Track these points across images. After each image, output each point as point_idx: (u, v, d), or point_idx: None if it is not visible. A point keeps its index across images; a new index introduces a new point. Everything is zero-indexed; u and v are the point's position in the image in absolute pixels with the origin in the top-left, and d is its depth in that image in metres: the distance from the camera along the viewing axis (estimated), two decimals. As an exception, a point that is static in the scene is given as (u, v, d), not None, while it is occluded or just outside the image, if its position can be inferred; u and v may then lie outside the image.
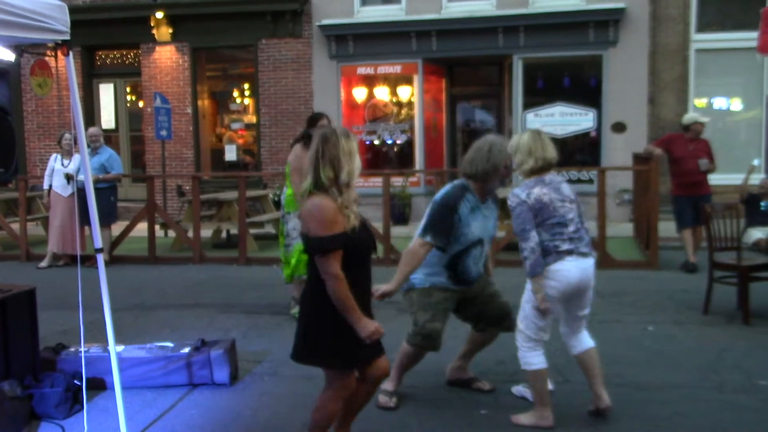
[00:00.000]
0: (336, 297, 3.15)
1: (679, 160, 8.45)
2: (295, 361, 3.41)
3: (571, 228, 3.93)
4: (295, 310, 6.36)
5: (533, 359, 4.00)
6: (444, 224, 4.14)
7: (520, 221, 3.89)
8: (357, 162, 3.25)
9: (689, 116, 8.90)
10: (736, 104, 13.17)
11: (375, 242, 3.50)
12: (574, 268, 3.90)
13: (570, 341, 4.18)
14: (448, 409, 4.38)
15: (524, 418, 4.08)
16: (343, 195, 3.21)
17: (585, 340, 4.15)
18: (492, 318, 4.52)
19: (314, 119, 6.46)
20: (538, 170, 3.99)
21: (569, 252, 3.89)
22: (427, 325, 4.28)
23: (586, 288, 4.01)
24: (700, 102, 12.89)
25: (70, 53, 3.73)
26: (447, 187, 4.33)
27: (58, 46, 3.77)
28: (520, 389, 4.58)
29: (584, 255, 3.95)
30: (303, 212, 3.29)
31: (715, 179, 12.42)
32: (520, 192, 3.94)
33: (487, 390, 4.65)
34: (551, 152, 4.01)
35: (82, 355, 4.36)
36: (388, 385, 4.40)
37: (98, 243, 4.02)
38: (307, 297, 3.35)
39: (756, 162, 8.77)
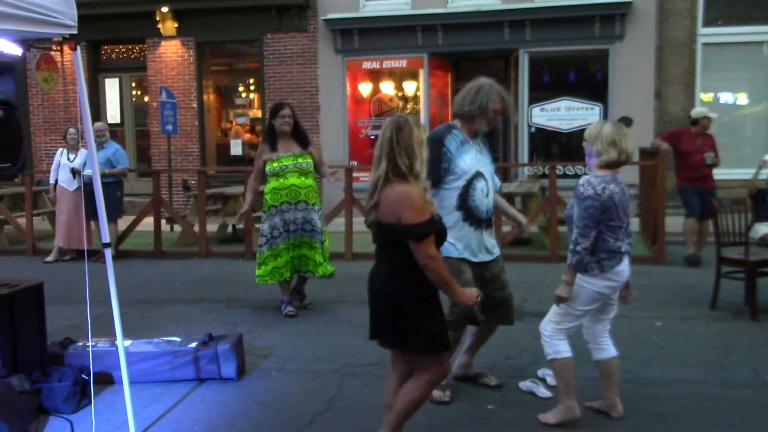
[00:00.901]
0: (439, 277, 3.24)
1: (687, 155, 8.49)
2: (420, 353, 3.36)
3: (626, 227, 3.89)
4: (287, 310, 6.52)
5: (561, 347, 3.94)
6: (435, 159, 4.13)
7: (587, 215, 3.75)
8: (425, 152, 3.35)
9: (698, 110, 8.91)
10: (743, 98, 13.13)
11: None
12: (626, 268, 3.93)
13: (597, 343, 4.09)
14: (454, 404, 4.37)
15: (552, 417, 4.02)
16: (419, 183, 3.29)
17: (610, 348, 4.08)
18: (497, 305, 4.41)
19: (276, 110, 6.44)
20: (617, 164, 3.86)
21: (626, 252, 3.90)
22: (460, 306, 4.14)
23: (624, 284, 4.02)
24: (707, 96, 12.85)
25: (78, 48, 3.73)
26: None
27: (65, 40, 3.76)
28: (527, 384, 4.57)
29: (629, 254, 3.96)
30: (388, 200, 3.23)
31: (721, 174, 12.38)
32: (596, 183, 3.77)
33: (494, 385, 4.63)
34: (632, 147, 3.92)
35: (90, 349, 4.37)
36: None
37: (106, 238, 4.02)
38: (401, 290, 3.29)
39: (767, 157, 8.73)
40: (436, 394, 4.31)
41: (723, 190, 11.42)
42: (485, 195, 4.32)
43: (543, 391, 4.49)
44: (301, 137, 6.46)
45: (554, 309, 3.98)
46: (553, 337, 3.96)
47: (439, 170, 4.22)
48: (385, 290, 3.33)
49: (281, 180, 6.33)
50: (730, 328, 5.94)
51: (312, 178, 6.47)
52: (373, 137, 14.09)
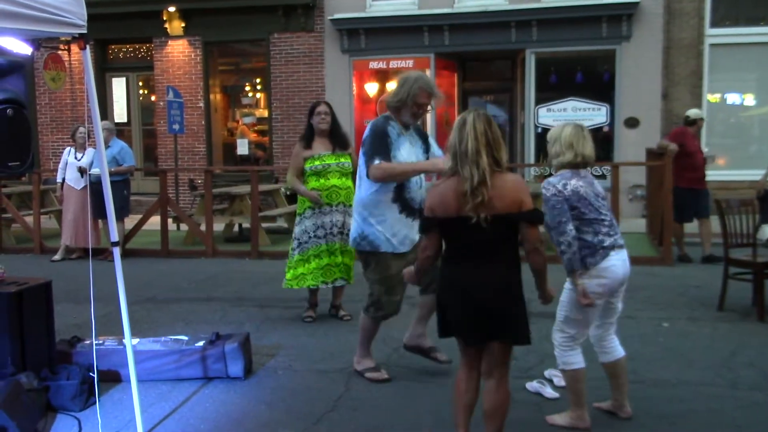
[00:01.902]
0: (544, 262, 3.37)
1: (692, 155, 8.59)
2: (526, 344, 3.41)
3: (607, 222, 3.85)
4: (306, 314, 6.32)
5: (573, 359, 3.90)
6: (383, 144, 4.42)
7: (556, 213, 3.75)
8: None
9: (695, 111, 9.15)
10: (750, 99, 13.09)
11: None
12: (618, 262, 3.84)
13: (601, 347, 4.06)
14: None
15: (560, 419, 4.01)
16: None
17: (616, 350, 4.04)
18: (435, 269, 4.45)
19: (312, 108, 6.22)
20: (574, 165, 3.87)
21: (612, 247, 3.82)
22: (384, 299, 4.61)
23: (625, 281, 3.94)
24: (714, 97, 12.82)
25: (87, 47, 3.74)
26: (369, 124, 4.65)
27: (75, 39, 3.77)
28: (534, 385, 4.57)
29: (621, 247, 3.89)
30: (507, 190, 3.24)
31: (728, 175, 12.43)
32: (555, 182, 3.81)
33: (443, 361, 4.81)
34: (591, 150, 3.90)
35: (93, 347, 4.38)
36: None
37: (115, 236, 4.03)
38: (515, 280, 3.33)
39: None
40: (374, 375, 4.74)
41: (730, 191, 11.43)
42: (419, 187, 4.57)
43: (550, 392, 4.49)
44: (341, 137, 6.19)
45: (557, 317, 3.96)
46: (563, 346, 3.92)
47: (389, 156, 4.42)
48: (500, 283, 3.29)
49: (322, 180, 6.03)
50: (738, 329, 5.92)
51: (351, 180, 6.09)
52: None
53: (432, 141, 4.85)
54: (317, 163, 6.04)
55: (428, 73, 13.65)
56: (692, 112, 9.05)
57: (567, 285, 3.88)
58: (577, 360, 3.90)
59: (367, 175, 4.47)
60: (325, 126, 6.10)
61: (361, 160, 4.57)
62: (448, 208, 3.27)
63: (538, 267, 3.37)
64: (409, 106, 4.49)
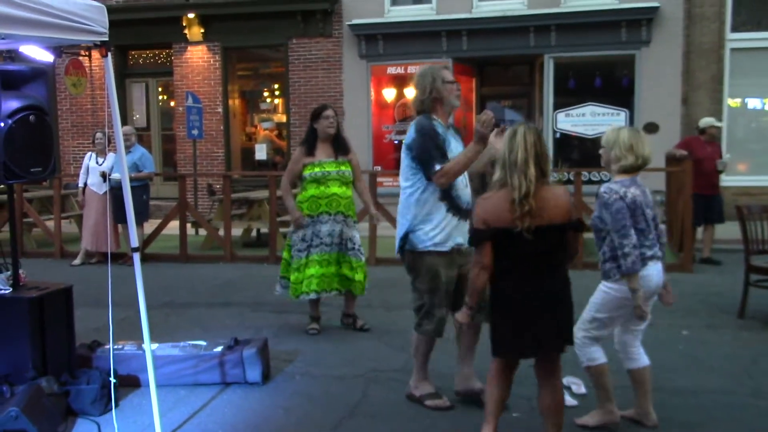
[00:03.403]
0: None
1: (699, 162, 8.80)
2: (570, 344, 3.54)
3: (652, 233, 3.88)
4: (310, 326, 6.12)
5: (596, 354, 3.93)
6: (437, 147, 4.17)
7: (620, 217, 3.74)
8: None
9: (706, 120, 9.33)
10: (771, 104, 12.97)
11: None
12: (654, 273, 3.86)
13: (627, 353, 4.06)
14: (479, 412, 4.34)
15: (590, 419, 4.01)
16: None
17: (641, 357, 4.05)
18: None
19: (319, 111, 5.95)
20: (635, 169, 3.87)
21: (651, 258, 3.84)
22: (436, 312, 4.27)
23: (657, 291, 3.96)
24: (735, 102, 12.70)
25: (109, 54, 3.78)
26: (413, 126, 4.34)
27: (96, 46, 3.81)
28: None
29: (659, 259, 3.92)
30: (560, 200, 3.41)
31: (749, 181, 12.31)
32: (617, 188, 3.79)
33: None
34: (649, 151, 3.91)
35: (111, 351, 4.40)
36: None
37: (135, 242, 4.06)
38: (568, 287, 3.46)
39: None
40: (435, 403, 4.36)
41: (751, 197, 11.32)
42: (465, 185, 4.36)
43: (569, 400, 4.45)
44: (343, 143, 6.00)
45: (583, 316, 3.97)
46: (585, 344, 3.94)
47: (446, 157, 4.18)
48: (561, 293, 3.43)
49: (322, 188, 5.84)
50: (759, 337, 5.86)
51: (351, 189, 6.02)
52: (396, 142, 14.09)
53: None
54: (317, 170, 5.84)
55: (446, 78, 13.64)
56: (702, 121, 9.31)
57: (601, 287, 3.90)
58: (599, 355, 3.94)
59: (429, 178, 4.18)
60: (332, 131, 5.91)
61: (405, 164, 4.33)
62: (502, 218, 3.31)
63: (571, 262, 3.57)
64: (445, 92, 4.32)
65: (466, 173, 4.34)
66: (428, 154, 4.18)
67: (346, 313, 6.30)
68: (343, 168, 5.91)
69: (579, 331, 3.94)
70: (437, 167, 4.13)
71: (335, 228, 5.88)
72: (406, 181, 4.34)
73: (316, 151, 5.90)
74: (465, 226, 4.31)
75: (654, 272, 3.87)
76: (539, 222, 3.27)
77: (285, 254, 6.15)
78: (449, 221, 4.27)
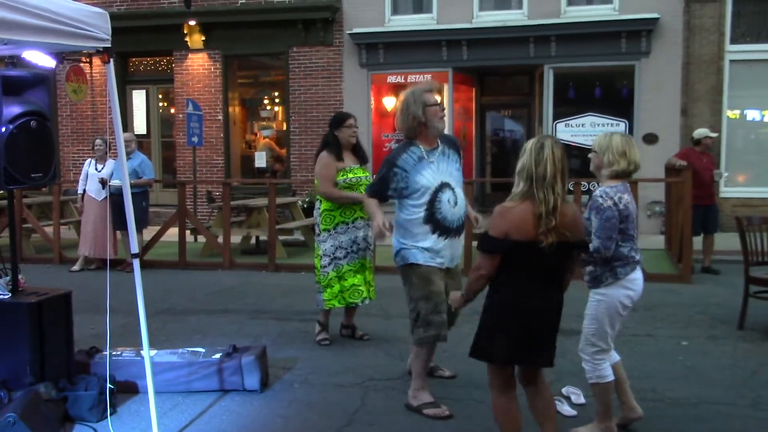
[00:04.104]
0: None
1: (697, 173, 8.89)
2: (551, 365, 3.51)
3: (636, 238, 3.94)
4: (320, 336, 6.01)
5: (606, 371, 3.91)
6: (381, 177, 4.50)
7: (609, 226, 3.73)
8: None
9: (700, 131, 9.46)
10: (770, 116, 12.99)
11: None
12: (640, 276, 3.92)
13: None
14: (476, 419, 4.33)
15: (586, 431, 4.01)
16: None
17: (614, 354, 4.07)
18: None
19: (341, 120, 5.89)
20: (626, 174, 3.89)
21: (638, 262, 3.90)
22: (433, 318, 4.37)
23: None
24: (734, 113, 12.73)
25: (111, 60, 3.78)
26: None
27: (99, 53, 3.82)
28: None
29: (642, 265, 3.97)
30: (578, 218, 3.42)
31: (750, 192, 12.32)
32: (612, 194, 3.79)
33: (449, 376, 4.95)
34: (639, 157, 3.93)
35: (108, 358, 4.39)
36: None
37: (135, 248, 4.06)
38: (561, 305, 3.45)
39: None
40: (434, 411, 4.37)
41: (750, 208, 11.34)
42: (453, 205, 4.43)
43: (567, 409, 4.45)
44: (362, 150, 5.98)
45: (584, 332, 3.95)
46: (596, 359, 3.90)
47: (387, 190, 4.49)
48: (558, 308, 3.44)
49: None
50: (759, 348, 5.85)
51: None
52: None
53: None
54: (350, 176, 5.76)
55: (446, 87, 13.68)
56: (696, 132, 9.44)
57: (594, 298, 3.89)
58: (609, 372, 3.92)
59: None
60: (355, 140, 5.88)
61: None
62: (527, 232, 3.26)
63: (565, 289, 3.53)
64: (428, 116, 4.43)
65: (459, 187, 4.51)
66: (376, 176, 4.61)
67: (346, 324, 6.24)
68: (367, 174, 5.92)
69: (586, 347, 3.92)
70: (366, 193, 4.63)
71: (367, 233, 5.84)
72: (397, 202, 4.60)
73: (344, 157, 5.83)
74: (457, 242, 4.54)
75: (640, 277, 3.92)
76: (560, 238, 3.25)
77: (317, 262, 5.96)
78: (437, 242, 4.41)
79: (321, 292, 5.87)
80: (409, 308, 4.51)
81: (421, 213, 4.39)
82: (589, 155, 4.04)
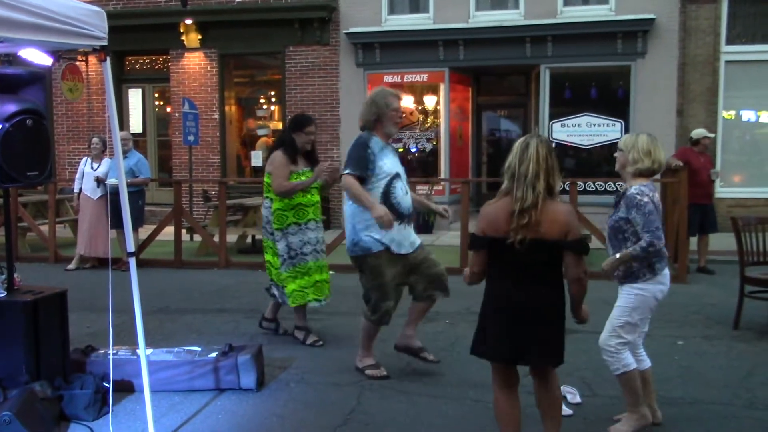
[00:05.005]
0: (584, 291, 3.42)
1: (695, 172, 9.00)
2: (559, 364, 3.45)
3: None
4: (312, 339, 6.02)
5: (628, 359, 3.95)
6: (360, 157, 4.80)
7: (653, 218, 3.82)
8: None
9: (698, 131, 9.56)
10: (765, 116, 13.02)
11: None
12: (668, 272, 4.03)
13: (635, 355, 4.11)
14: (474, 418, 4.34)
15: (625, 427, 4.02)
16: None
17: (647, 358, 4.17)
18: (432, 280, 4.99)
19: (302, 125, 5.88)
20: (651, 173, 3.99)
21: (666, 257, 3.98)
22: (381, 304, 4.89)
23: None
24: (729, 114, 12.76)
25: (107, 59, 3.77)
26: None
27: (94, 51, 3.82)
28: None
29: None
30: (559, 216, 3.32)
31: (745, 192, 12.36)
32: (647, 191, 3.89)
33: (432, 361, 5.11)
34: (664, 157, 4.03)
35: (110, 357, 4.39)
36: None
37: (131, 247, 4.06)
38: (559, 304, 3.37)
39: None
40: (374, 372, 5.04)
41: (746, 208, 11.37)
42: (405, 193, 4.93)
43: (564, 409, 4.44)
44: (316, 154, 6.09)
45: (612, 323, 3.98)
46: (618, 350, 3.95)
47: (367, 168, 4.79)
48: (543, 305, 3.34)
49: (308, 196, 5.87)
50: (754, 348, 5.87)
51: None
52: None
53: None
54: (303, 178, 5.83)
55: (443, 87, 13.73)
56: (694, 132, 9.55)
57: (629, 290, 3.94)
58: (632, 360, 3.97)
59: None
60: (310, 148, 5.94)
61: None
62: (498, 228, 3.31)
63: (578, 297, 3.43)
64: (388, 114, 4.89)
65: (405, 182, 4.98)
66: (348, 157, 4.86)
67: (269, 318, 6.34)
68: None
69: (611, 339, 3.96)
70: (347, 171, 4.78)
71: (320, 234, 5.99)
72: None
73: (298, 159, 5.88)
74: (408, 228, 4.95)
75: (668, 271, 4.03)
76: (533, 235, 3.24)
77: (273, 259, 5.98)
78: (394, 227, 4.76)
79: (282, 288, 5.97)
80: (363, 290, 5.03)
81: (378, 197, 4.77)
82: (615, 154, 4.18)
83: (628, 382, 3.98)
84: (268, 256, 6.03)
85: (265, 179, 5.94)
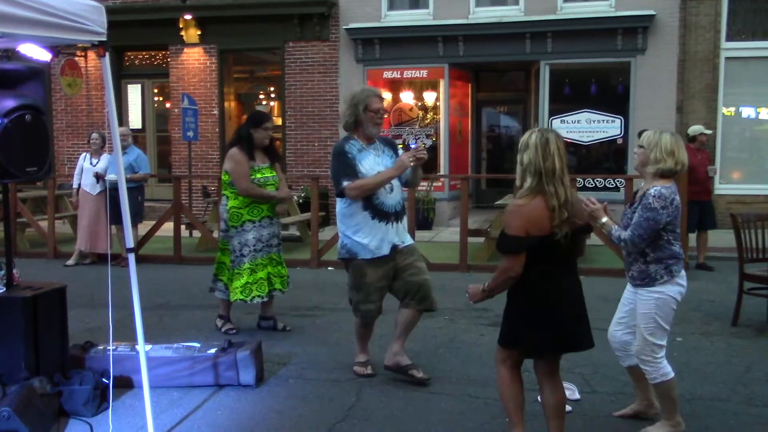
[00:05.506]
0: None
1: (693, 169, 8.84)
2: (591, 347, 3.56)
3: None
4: (227, 326, 6.21)
5: (667, 368, 3.91)
6: (345, 164, 4.77)
7: (648, 226, 3.76)
8: None
9: (695, 128, 9.57)
10: (765, 113, 13.01)
11: None
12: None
13: (625, 353, 4.13)
14: (472, 416, 4.34)
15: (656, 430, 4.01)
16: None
17: None
18: (414, 290, 4.84)
19: (260, 121, 6.03)
20: (673, 174, 3.89)
21: (683, 258, 3.97)
22: (361, 306, 4.91)
23: None
24: (729, 111, 12.75)
25: (107, 54, 3.77)
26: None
27: (93, 46, 3.81)
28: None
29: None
30: (582, 207, 3.62)
31: (744, 189, 12.36)
32: (668, 194, 3.79)
33: (421, 378, 4.85)
34: (687, 158, 3.96)
35: (111, 353, 4.39)
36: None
37: (130, 242, 4.05)
38: (580, 287, 3.52)
39: None
40: (359, 369, 5.06)
41: (744, 205, 11.38)
42: (389, 191, 4.85)
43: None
44: (275, 150, 6.25)
45: (641, 333, 3.90)
46: (656, 358, 3.89)
47: (356, 171, 4.75)
48: (581, 291, 3.53)
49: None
50: (752, 345, 5.87)
51: None
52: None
53: (400, 150, 5.12)
54: (259, 176, 5.94)
55: (442, 83, 13.72)
56: (691, 129, 9.56)
57: (650, 297, 3.87)
58: (670, 369, 3.93)
59: (340, 195, 4.81)
60: (268, 143, 6.10)
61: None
62: (543, 226, 3.32)
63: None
64: (366, 116, 4.83)
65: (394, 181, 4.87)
66: (335, 172, 4.82)
67: (265, 317, 6.38)
68: (274, 173, 6.10)
69: (648, 347, 3.88)
70: (345, 183, 4.72)
71: (274, 230, 6.10)
72: (337, 198, 4.95)
73: (255, 155, 5.99)
74: (397, 226, 4.90)
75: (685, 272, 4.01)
76: (570, 226, 3.36)
77: (223, 258, 6.18)
78: (377, 227, 4.79)
79: (227, 284, 6.10)
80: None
81: (360, 201, 4.76)
82: (635, 150, 4.09)
83: (666, 390, 3.93)
84: (222, 257, 6.19)
85: (223, 177, 6.04)
